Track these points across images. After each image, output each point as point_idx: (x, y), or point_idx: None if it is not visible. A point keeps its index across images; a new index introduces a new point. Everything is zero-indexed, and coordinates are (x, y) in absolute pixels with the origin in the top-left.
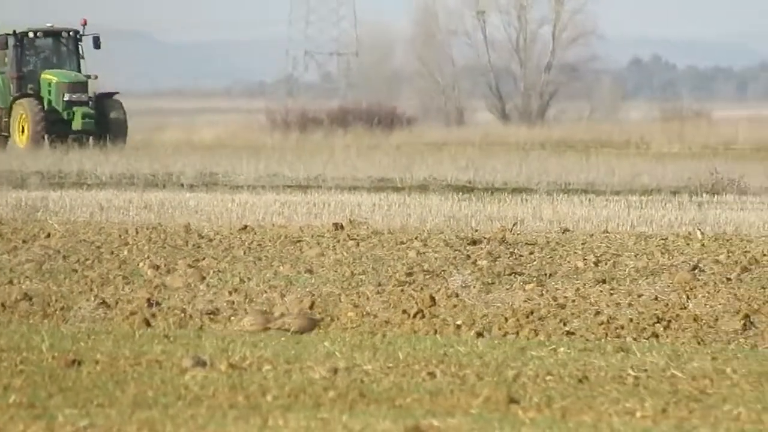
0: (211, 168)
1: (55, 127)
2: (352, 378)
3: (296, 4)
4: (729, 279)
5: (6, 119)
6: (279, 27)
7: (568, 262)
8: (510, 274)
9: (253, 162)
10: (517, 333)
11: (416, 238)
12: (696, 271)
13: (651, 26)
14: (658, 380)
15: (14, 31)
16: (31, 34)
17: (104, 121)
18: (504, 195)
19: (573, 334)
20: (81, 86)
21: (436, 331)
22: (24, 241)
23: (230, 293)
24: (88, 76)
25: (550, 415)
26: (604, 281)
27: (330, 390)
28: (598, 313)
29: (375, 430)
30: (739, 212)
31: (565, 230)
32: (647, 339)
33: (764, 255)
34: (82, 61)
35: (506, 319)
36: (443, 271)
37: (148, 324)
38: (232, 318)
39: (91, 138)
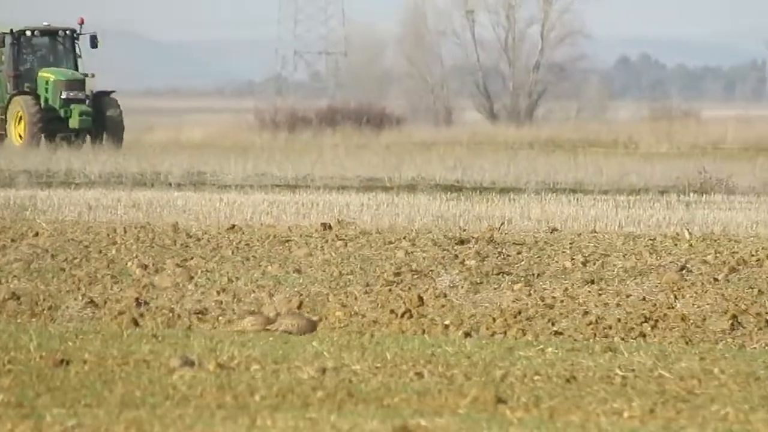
0: (199, 167)
1: (52, 125)
2: (340, 378)
3: (285, 3)
4: (717, 279)
5: (3, 117)
6: (268, 27)
7: (556, 261)
8: (498, 274)
9: (241, 161)
10: (505, 333)
11: (404, 238)
12: (684, 271)
13: (640, 25)
14: (645, 380)
15: (11, 30)
16: (28, 33)
17: (101, 120)
18: (492, 194)
19: (561, 334)
20: (78, 84)
21: (424, 331)
22: (12, 240)
23: (218, 293)
24: (86, 75)
25: (537, 415)
26: (592, 281)
27: (318, 390)
28: (586, 313)
29: (363, 430)
30: (727, 212)
31: (553, 230)
32: (635, 339)
33: (752, 255)
34: (79, 59)
35: (494, 319)
36: (431, 270)
37: (136, 323)
38: (226, 318)
39: (87, 136)
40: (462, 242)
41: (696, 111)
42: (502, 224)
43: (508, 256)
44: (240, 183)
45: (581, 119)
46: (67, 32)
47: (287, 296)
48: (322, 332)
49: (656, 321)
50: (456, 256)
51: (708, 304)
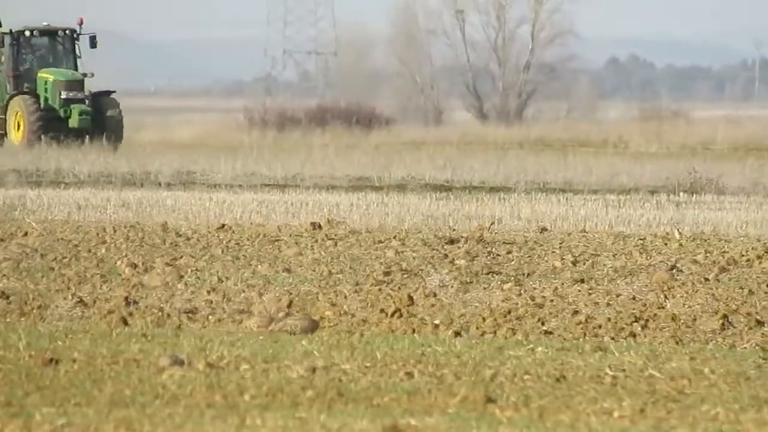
0: (189, 167)
1: (51, 125)
2: (329, 377)
3: (274, 3)
4: (707, 279)
5: (2, 117)
6: (258, 26)
7: (546, 261)
8: (488, 274)
9: (231, 161)
10: (495, 332)
11: (394, 238)
12: (674, 271)
13: (629, 26)
14: (635, 380)
15: (11, 30)
16: (27, 33)
17: (100, 120)
18: (482, 194)
19: (551, 333)
20: (78, 84)
21: (413, 331)
22: (1, 240)
23: (208, 292)
24: (85, 75)
25: (527, 415)
26: (582, 281)
27: (308, 389)
28: (576, 312)
29: (353, 430)
30: (717, 212)
31: (543, 229)
32: (625, 339)
33: (742, 255)
34: (78, 59)
35: (484, 319)
36: (421, 270)
37: (126, 323)
38: (216, 317)
39: (87, 136)
40: (452, 242)
41: (686, 111)
42: (492, 224)
43: (498, 255)
44: (230, 182)
45: (571, 119)
46: (67, 32)
47: (277, 295)
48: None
49: (646, 321)
50: (446, 256)
51: (698, 303)
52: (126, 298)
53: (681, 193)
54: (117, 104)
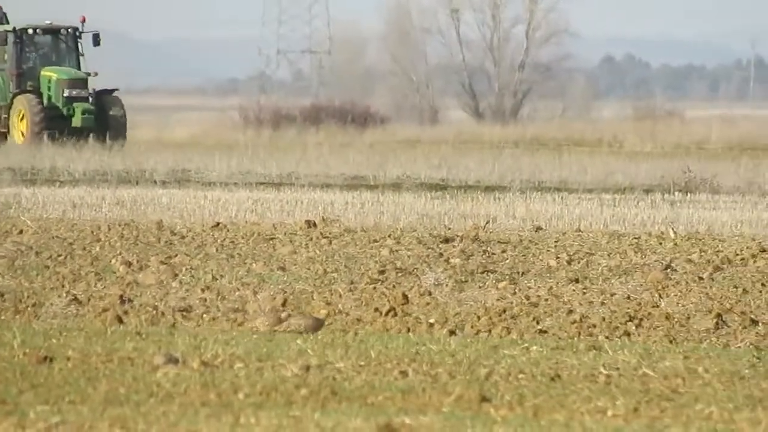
0: (183, 165)
1: (54, 124)
2: (324, 376)
3: (269, 2)
4: (701, 278)
5: (5, 116)
6: (252, 25)
7: (541, 260)
8: (483, 273)
9: (225, 159)
10: (490, 331)
11: (389, 236)
12: (668, 270)
13: (624, 25)
14: (630, 379)
15: (14, 28)
16: (30, 31)
17: (104, 118)
18: (477, 193)
19: (545, 332)
20: (81, 83)
21: (408, 329)
22: None
23: (203, 290)
24: (88, 73)
25: (522, 414)
26: (576, 280)
27: (302, 388)
28: (570, 311)
29: (347, 428)
30: (712, 211)
31: (538, 228)
32: (619, 338)
33: (736, 254)
34: (81, 58)
35: (479, 318)
36: (416, 269)
37: (120, 321)
38: (210, 316)
39: (90, 135)
40: (447, 241)
41: (680, 110)
42: (487, 223)
43: (493, 254)
44: (224, 181)
45: (566, 118)
46: (70, 30)
47: (271, 294)
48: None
49: (641, 320)
50: (441, 255)
51: (692, 303)
52: (120, 297)
53: (676, 193)
54: (120, 103)
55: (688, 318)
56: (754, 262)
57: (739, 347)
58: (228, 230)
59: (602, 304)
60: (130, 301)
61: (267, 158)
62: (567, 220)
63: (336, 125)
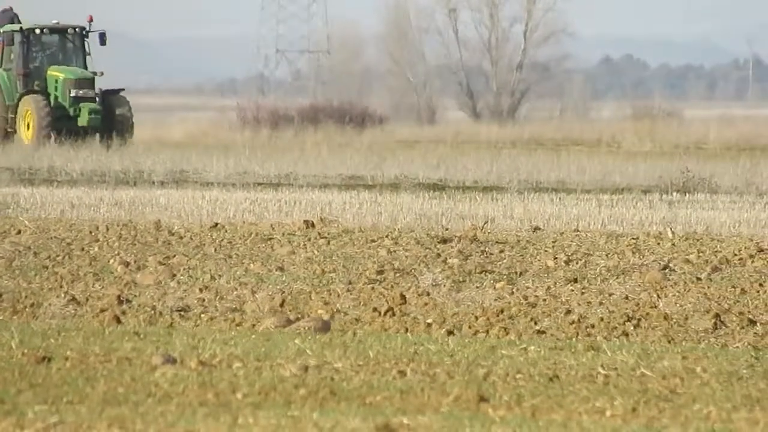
0: (181, 165)
1: (61, 124)
2: (322, 376)
3: (267, 1)
4: (699, 278)
5: (12, 116)
6: (250, 25)
7: (539, 260)
8: (481, 273)
9: (223, 159)
10: (488, 331)
11: (387, 237)
12: (666, 270)
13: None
14: (628, 379)
15: (20, 28)
16: (37, 31)
17: (110, 118)
18: (475, 193)
19: (543, 332)
20: (87, 82)
21: (406, 330)
22: None
23: (201, 290)
24: (95, 73)
25: (520, 414)
26: (574, 280)
27: (300, 388)
28: (568, 311)
29: (345, 428)
30: (710, 211)
31: (536, 229)
32: (618, 338)
33: (735, 254)
34: (88, 57)
35: (477, 318)
36: (414, 269)
37: (118, 321)
38: (208, 316)
39: (97, 134)
40: (445, 241)
41: (678, 110)
42: (485, 223)
43: (491, 254)
44: (222, 181)
45: (564, 118)
46: (77, 30)
47: (270, 294)
48: (304, 330)
49: (639, 320)
50: (439, 255)
51: (690, 303)
52: (119, 297)
53: (674, 193)
54: (127, 102)
55: (686, 318)
56: (752, 262)
57: (737, 347)
58: (226, 230)
59: (600, 304)
60: (128, 301)
61: (265, 158)
62: (565, 220)
63: (334, 125)
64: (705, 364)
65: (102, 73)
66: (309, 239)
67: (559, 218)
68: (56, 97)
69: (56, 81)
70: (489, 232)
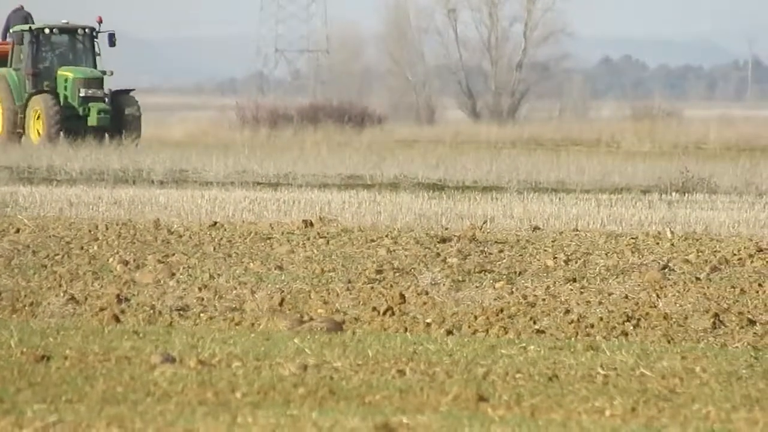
0: (181, 164)
1: (70, 123)
2: (321, 375)
3: (267, 1)
4: (698, 278)
5: (22, 116)
6: (250, 25)
7: (538, 260)
8: (480, 272)
9: (223, 159)
10: (487, 331)
11: (386, 236)
12: (666, 270)
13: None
14: (627, 379)
15: (30, 28)
16: (47, 31)
17: (119, 118)
18: (474, 193)
19: (543, 332)
20: (97, 82)
21: (405, 329)
22: None
23: (200, 289)
24: (104, 73)
25: (519, 413)
26: (574, 280)
27: (299, 387)
28: (568, 311)
29: (344, 428)
30: (709, 211)
31: (536, 228)
32: (617, 338)
33: (734, 254)
34: (97, 57)
35: (476, 317)
36: (413, 268)
37: (118, 320)
38: (208, 315)
39: (106, 134)
40: (444, 240)
41: (678, 110)
42: (484, 223)
43: (490, 254)
44: (222, 180)
45: (564, 118)
46: (86, 30)
47: (269, 293)
48: (303, 330)
49: (638, 320)
50: (438, 254)
51: (690, 303)
52: (118, 296)
53: (673, 193)
54: (136, 102)
55: (686, 318)
56: (752, 262)
57: (737, 347)
58: (225, 229)
59: (600, 303)
60: (127, 300)
61: (264, 158)
62: (564, 220)
63: (333, 125)
64: (704, 364)
65: (111, 73)
66: (308, 238)
67: (559, 218)
68: (65, 97)
69: (65, 81)
70: (488, 232)
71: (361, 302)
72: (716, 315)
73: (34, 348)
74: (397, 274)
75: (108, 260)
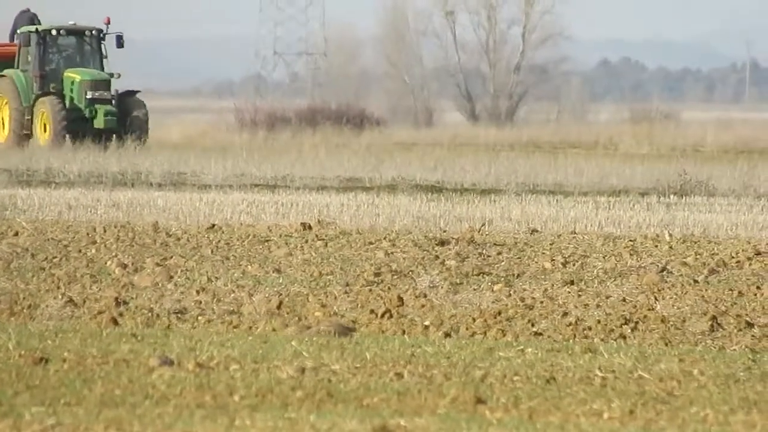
0: (179, 167)
1: (77, 126)
2: (319, 378)
3: (265, 3)
4: (697, 281)
5: (28, 118)
6: (248, 27)
7: (536, 262)
8: (478, 275)
9: (221, 161)
10: (485, 333)
11: (384, 239)
12: (664, 272)
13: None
14: (625, 381)
15: (37, 29)
16: (54, 32)
17: (126, 120)
18: (472, 195)
19: (541, 334)
20: (104, 84)
21: (404, 332)
22: None
23: (198, 292)
24: (111, 75)
25: (517, 416)
26: (572, 282)
27: (297, 390)
28: (565, 314)
29: (342, 430)
30: (707, 214)
31: (534, 231)
32: (615, 340)
33: (732, 257)
34: (104, 59)
35: (474, 320)
36: (411, 271)
37: (116, 323)
38: (206, 317)
39: (114, 136)
40: (442, 243)
41: (676, 113)
42: (482, 225)
43: (488, 256)
44: (220, 183)
45: (562, 121)
46: (94, 32)
47: (267, 296)
48: (302, 332)
49: (636, 322)
50: (436, 257)
51: (688, 305)
52: (116, 298)
53: (671, 195)
54: (143, 104)
55: (684, 321)
56: (750, 264)
57: (735, 350)
58: (223, 232)
59: (597, 306)
60: (125, 303)
61: (262, 160)
62: (562, 222)
63: (331, 127)
64: (702, 367)
65: (119, 75)
66: (306, 241)
67: (557, 220)
68: (72, 99)
69: (72, 83)
70: (486, 234)
71: (359, 305)
72: (714, 318)
73: (33, 351)
74: (395, 276)
75: (106, 263)
